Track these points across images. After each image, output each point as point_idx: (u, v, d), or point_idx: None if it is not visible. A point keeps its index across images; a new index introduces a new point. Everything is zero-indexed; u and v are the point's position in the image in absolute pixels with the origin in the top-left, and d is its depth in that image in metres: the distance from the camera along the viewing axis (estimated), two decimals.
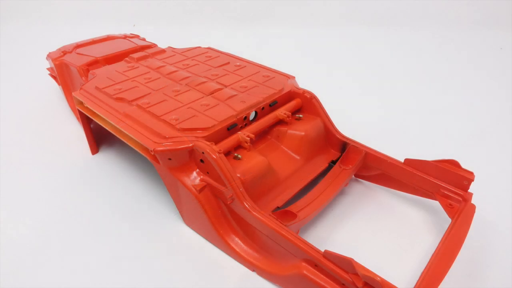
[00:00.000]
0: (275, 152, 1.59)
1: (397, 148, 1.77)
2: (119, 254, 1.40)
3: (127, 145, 1.50)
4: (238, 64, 1.97)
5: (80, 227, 1.51)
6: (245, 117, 1.55)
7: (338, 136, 1.67)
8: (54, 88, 2.54)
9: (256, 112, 1.61)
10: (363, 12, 3.99)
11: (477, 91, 2.64)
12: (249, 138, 1.44)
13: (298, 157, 1.60)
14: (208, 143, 1.33)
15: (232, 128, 1.49)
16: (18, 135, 2.08)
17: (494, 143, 2.06)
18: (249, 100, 1.61)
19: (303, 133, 1.59)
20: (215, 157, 1.28)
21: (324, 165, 1.63)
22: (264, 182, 1.43)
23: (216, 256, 1.39)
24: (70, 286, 1.28)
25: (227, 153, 1.42)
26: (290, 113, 1.62)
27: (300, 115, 1.69)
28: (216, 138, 1.42)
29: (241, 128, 1.54)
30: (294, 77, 1.85)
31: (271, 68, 1.94)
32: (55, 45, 2.43)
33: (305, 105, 1.72)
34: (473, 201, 1.40)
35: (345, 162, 1.61)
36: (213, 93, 1.66)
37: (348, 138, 1.66)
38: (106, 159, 1.88)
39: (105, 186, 1.72)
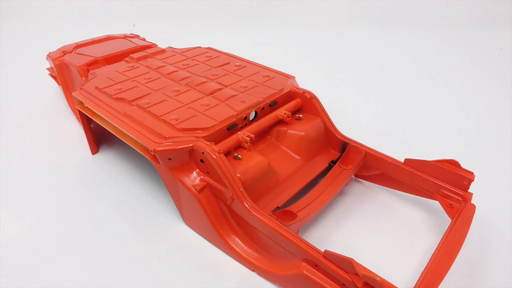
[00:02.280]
0: (275, 152, 1.59)
1: (397, 148, 1.78)
2: (119, 254, 1.40)
3: (127, 145, 1.51)
4: (238, 64, 1.97)
5: (80, 227, 1.51)
6: (245, 117, 1.55)
7: (338, 136, 1.67)
8: (54, 88, 2.54)
9: (256, 112, 1.61)
10: (363, 12, 3.99)
11: (477, 91, 2.64)
12: (249, 138, 1.44)
13: (298, 157, 1.60)
14: (208, 143, 1.33)
15: (232, 128, 1.49)
16: (18, 135, 2.08)
17: (494, 143, 2.06)
18: (249, 100, 1.61)
19: (303, 133, 1.59)
20: (215, 157, 1.28)
21: (324, 165, 1.63)
22: (264, 182, 1.43)
23: (216, 256, 1.39)
24: (70, 286, 1.28)
25: (227, 153, 1.42)
26: (290, 113, 1.62)
27: (300, 115, 1.69)
28: (216, 138, 1.42)
29: (241, 128, 1.54)
30: (294, 77, 1.85)
31: (271, 68, 1.94)
32: (55, 45, 2.44)
33: (305, 105, 1.72)
34: (473, 201, 1.40)
35: (345, 162, 1.61)
36: (213, 93, 1.66)
37: (348, 138, 1.66)
38: (106, 159, 1.88)
39: (105, 186, 1.72)
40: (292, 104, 1.69)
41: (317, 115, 1.69)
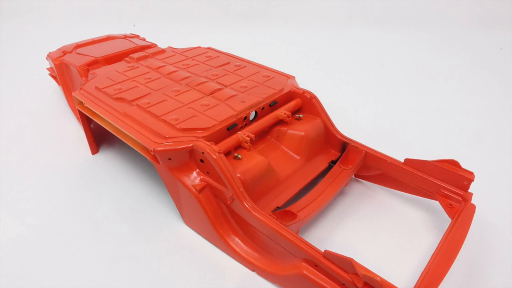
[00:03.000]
0: (275, 152, 1.59)
1: (397, 148, 1.77)
2: (119, 254, 1.40)
3: (127, 145, 1.51)
4: (238, 64, 1.97)
5: (80, 227, 1.51)
6: (245, 117, 1.55)
7: (338, 136, 1.67)
8: (54, 88, 2.54)
9: (256, 112, 1.61)
10: (364, 12, 3.99)
11: (477, 91, 2.64)
12: (249, 138, 1.44)
13: (298, 157, 1.60)
14: (208, 143, 1.33)
15: (232, 128, 1.49)
16: (18, 135, 2.08)
17: (494, 143, 2.06)
18: (249, 100, 1.61)
19: (303, 133, 1.59)
20: (215, 157, 1.28)
21: (324, 165, 1.63)
22: (264, 182, 1.43)
23: (216, 256, 1.39)
24: (70, 286, 1.28)
25: (227, 153, 1.42)
26: (290, 113, 1.62)
27: (300, 115, 1.69)
28: (216, 138, 1.42)
29: (241, 128, 1.54)
30: (294, 77, 1.85)
31: (271, 68, 1.94)
32: (55, 45, 2.44)
33: (305, 105, 1.72)
34: (473, 201, 1.40)
35: (345, 162, 1.61)
36: (213, 93, 1.67)
37: (348, 138, 1.66)
38: (106, 159, 1.88)
39: (105, 186, 1.72)
40: (292, 104, 1.69)
41: (317, 115, 1.69)
